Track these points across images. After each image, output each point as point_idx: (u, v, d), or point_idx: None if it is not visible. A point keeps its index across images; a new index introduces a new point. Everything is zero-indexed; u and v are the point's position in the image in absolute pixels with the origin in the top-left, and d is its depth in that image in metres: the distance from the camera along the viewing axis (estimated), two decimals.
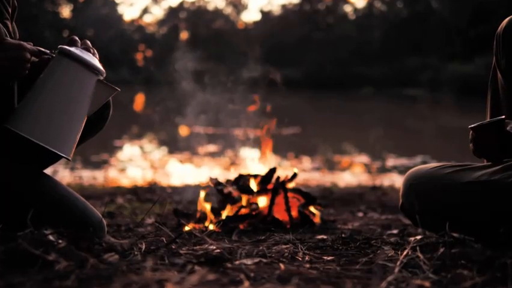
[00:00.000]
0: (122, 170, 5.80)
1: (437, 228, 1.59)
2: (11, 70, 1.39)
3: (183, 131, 8.78)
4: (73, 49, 1.46)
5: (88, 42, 1.51)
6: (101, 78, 1.48)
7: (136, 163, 6.44)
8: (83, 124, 1.49)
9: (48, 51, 1.47)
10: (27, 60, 1.40)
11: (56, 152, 1.43)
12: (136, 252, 1.29)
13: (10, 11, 1.58)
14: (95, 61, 1.48)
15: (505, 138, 1.48)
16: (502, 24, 1.65)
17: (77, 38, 1.51)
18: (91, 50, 1.50)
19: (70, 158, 1.47)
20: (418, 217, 1.61)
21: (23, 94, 1.48)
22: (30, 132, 1.41)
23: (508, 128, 1.48)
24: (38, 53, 1.45)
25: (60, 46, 1.47)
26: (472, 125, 1.52)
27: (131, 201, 3.14)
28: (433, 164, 1.68)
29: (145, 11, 35.62)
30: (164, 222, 2.33)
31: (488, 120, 1.55)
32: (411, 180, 1.68)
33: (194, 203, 2.74)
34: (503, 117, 1.49)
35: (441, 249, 1.37)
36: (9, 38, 1.43)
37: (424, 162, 6.40)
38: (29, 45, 1.41)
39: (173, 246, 1.40)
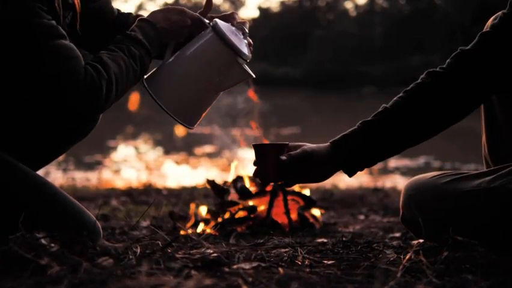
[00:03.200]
0: (117, 171, 5.78)
1: (440, 239, 1.57)
2: (172, 32, 1.50)
3: (179, 130, 8.76)
4: (224, 25, 1.49)
5: (247, 24, 1.55)
6: (241, 61, 1.49)
7: (131, 164, 6.43)
8: (214, 100, 1.54)
9: (207, 21, 1.53)
10: (187, 25, 1.52)
11: (178, 120, 1.48)
12: (130, 256, 1.27)
13: (62, 15, 1.46)
14: (241, 44, 1.50)
15: (281, 165, 1.46)
16: (487, 24, 1.62)
17: (236, 15, 1.57)
18: (244, 31, 1.53)
19: (192, 128, 1.53)
20: (420, 228, 1.58)
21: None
22: (159, 96, 1.47)
23: (283, 156, 1.46)
24: (198, 21, 1.53)
25: (215, 19, 1.52)
26: (255, 143, 1.53)
27: (126, 204, 3.13)
28: (432, 173, 1.65)
29: (140, 7, 35.60)
30: (160, 225, 2.32)
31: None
32: (409, 190, 1.65)
33: (190, 205, 2.72)
34: (287, 143, 1.50)
35: (445, 253, 1.35)
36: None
37: (427, 163, 6.40)
38: (190, 12, 1.52)
39: (169, 250, 1.38)
